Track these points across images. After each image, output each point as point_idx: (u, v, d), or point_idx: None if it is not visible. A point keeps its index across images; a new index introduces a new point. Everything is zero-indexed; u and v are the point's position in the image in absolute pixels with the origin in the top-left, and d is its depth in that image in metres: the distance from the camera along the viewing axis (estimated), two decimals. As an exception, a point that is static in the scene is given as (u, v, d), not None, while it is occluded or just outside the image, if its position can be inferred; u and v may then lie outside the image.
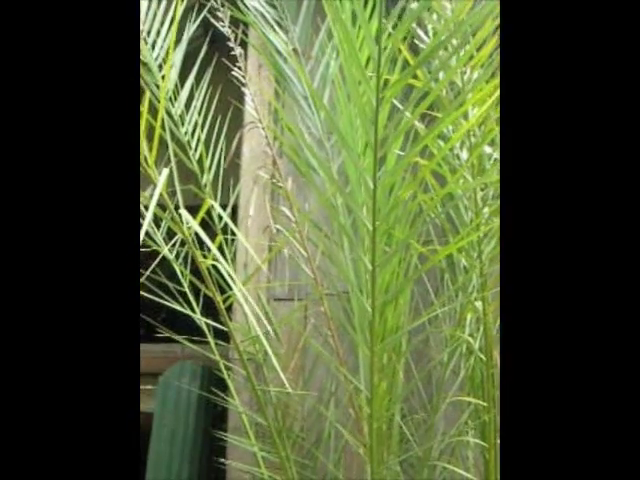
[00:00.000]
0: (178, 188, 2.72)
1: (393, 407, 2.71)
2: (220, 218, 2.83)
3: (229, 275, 2.07)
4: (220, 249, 2.94)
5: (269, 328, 2.28)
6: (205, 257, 2.38)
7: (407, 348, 2.85)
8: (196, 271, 2.71)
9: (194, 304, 3.15)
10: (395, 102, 2.24)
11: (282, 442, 2.87)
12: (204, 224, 2.25)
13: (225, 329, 2.62)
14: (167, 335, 3.35)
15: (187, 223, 2.19)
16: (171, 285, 3.21)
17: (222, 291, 2.52)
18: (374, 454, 2.54)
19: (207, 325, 3.09)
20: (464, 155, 2.62)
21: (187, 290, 3.22)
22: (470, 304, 2.67)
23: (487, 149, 2.71)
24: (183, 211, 2.10)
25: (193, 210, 2.15)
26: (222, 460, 3.23)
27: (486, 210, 2.62)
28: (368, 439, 2.43)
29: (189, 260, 3.01)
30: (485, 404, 2.64)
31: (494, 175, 2.51)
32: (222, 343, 3.15)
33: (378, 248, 2.09)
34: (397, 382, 2.71)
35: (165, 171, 1.95)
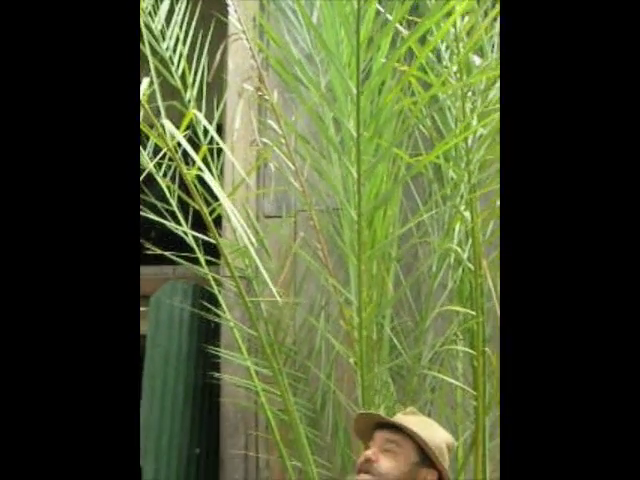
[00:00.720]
0: (161, 104, 2.69)
1: (382, 316, 2.74)
2: (206, 133, 2.80)
3: (215, 187, 2.06)
4: (207, 164, 2.93)
5: (254, 240, 2.26)
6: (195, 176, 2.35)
7: (396, 257, 2.85)
8: (185, 191, 2.71)
9: (183, 222, 3.15)
10: (379, 7, 2.20)
11: (274, 355, 2.90)
12: (190, 143, 2.21)
13: (214, 243, 2.61)
14: (158, 254, 3.36)
15: (171, 135, 2.16)
16: (160, 205, 3.20)
17: (209, 206, 2.51)
18: (364, 363, 2.58)
19: (196, 241, 3.08)
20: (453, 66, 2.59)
21: (175, 209, 3.21)
22: (458, 214, 2.67)
23: (475, 58, 2.68)
24: (166, 121, 2.07)
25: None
26: (216, 375, 3.26)
27: (474, 119, 2.60)
28: (358, 348, 2.46)
29: (177, 178, 2.98)
30: (473, 313, 2.66)
31: (480, 78, 2.48)
32: (213, 259, 3.15)
33: (364, 155, 2.08)
34: (386, 292, 2.73)
35: (145, 80, 1.91)
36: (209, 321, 3.41)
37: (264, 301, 2.92)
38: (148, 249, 3.08)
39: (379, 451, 2.05)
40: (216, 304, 3.23)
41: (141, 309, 3.64)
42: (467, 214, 2.63)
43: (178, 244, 3.24)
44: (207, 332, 3.56)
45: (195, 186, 2.42)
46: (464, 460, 2.93)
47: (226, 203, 1.99)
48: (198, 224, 3.08)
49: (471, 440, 2.88)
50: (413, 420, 2.12)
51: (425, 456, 2.06)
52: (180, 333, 3.60)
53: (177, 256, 3.13)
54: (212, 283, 3.21)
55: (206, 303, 3.26)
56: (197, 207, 2.40)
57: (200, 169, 2.04)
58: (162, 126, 2.21)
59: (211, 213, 2.41)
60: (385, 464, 2.04)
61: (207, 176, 2.04)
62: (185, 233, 3.13)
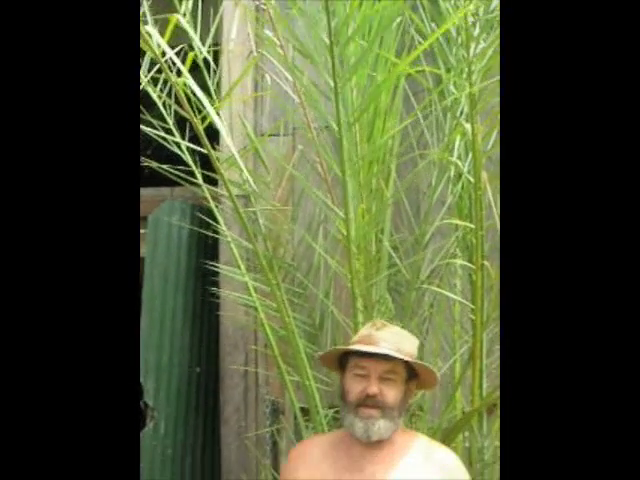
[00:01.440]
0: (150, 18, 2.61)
1: (381, 231, 2.72)
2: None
3: (200, 95, 2.02)
4: (203, 78, 2.88)
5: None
6: (184, 85, 2.30)
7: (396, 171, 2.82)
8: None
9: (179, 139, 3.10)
10: None
11: (273, 271, 2.90)
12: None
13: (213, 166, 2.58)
14: (155, 176, 3.31)
15: (157, 43, 2.10)
16: (157, 123, 3.15)
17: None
18: (354, 275, 2.58)
19: (194, 161, 3.05)
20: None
21: (172, 127, 3.16)
22: (459, 126, 2.63)
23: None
24: (149, 28, 2.00)
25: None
26: (215, 290, 3.26)
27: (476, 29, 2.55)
28: (349, 261, 2.45)
29: (173, 96, 2.93)
30: (472, 226, 2.64)
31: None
32: (209, 173, 3.11)
33: (363, 67, 2.02)
34: (385, 206, 2.71)
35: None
36: (207, 238, 3.40)
37: (262, 214, 2.89)
38: (146, 167, 3.04)
39: (378, 382, 2.09)
40: (214, 222, 3.21)
41: (141, 231, 3.63)
42: (468, 126, 2.59)
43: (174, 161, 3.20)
44: (206, 250, 3.55)
45: (189, 99, 2.38)
46: (461, 375, 2.94)
47: (213, 112, 1.94)
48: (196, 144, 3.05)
49: (469, 355, 2.89)
50: (389, 335, 2.15)
51: (411, 369, 2.15)
52: (179, 251, 3.60)
53: (175, 175, 3.09)
54: (210, 201, 3.19)
55: (205, 218, 3.23)
56: (187, 116, 2.35)
57: (186, 77, 1.98)
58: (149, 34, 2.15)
59: (203, 122, 2.35)
60: (389, 394, 2.10)
61: (194, 85, 2.00)
62: (180, 148, 3.08)
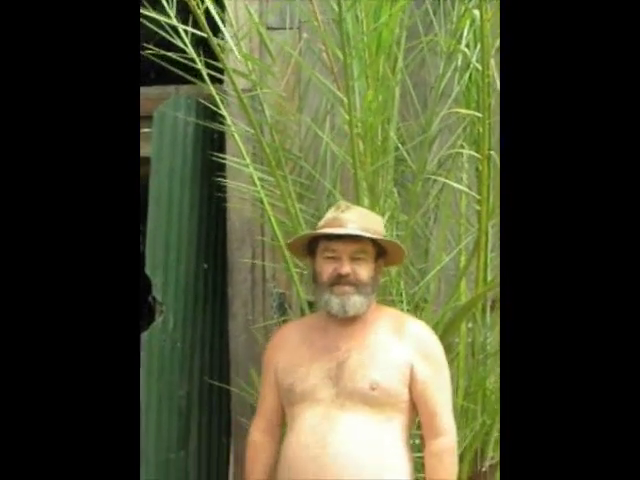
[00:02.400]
0: None
1: (387, 121, 2.70)
2: None
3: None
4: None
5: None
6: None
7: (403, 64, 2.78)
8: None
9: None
10: None
11: (279, 163, 2.89)
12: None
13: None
14: (161, 74, 3.26)
15: None
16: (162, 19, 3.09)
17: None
18: (366, 166, 2.58)
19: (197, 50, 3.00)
20: None
21: (176, 22, 3.10)
22: (468, 13, 2.58)
23: None
24: None
25: None
26: (221, 181, 3.24)
27: None
28: (359, 145, 2.45)
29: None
30: (480, 115, 2.62)
31: None
32: (215, 74, 3.08)
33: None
34: (392, 95, 2.68)
35: None
36: (214, 132, 3.38)
37: (268, 106, 2.87)
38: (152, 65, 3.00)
39: (349, 262, 2.13)
40: (220, 116, 3.19)
41: (146, 130, 3.60)
42: (476, 12, 2.54)
43: (181, 65, 3.16)
44: (212, 144, 3.53)
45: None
46: (466, 266, 2.96)
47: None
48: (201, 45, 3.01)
49: (473, 247, 2.90)
50: (354, 215, 2.20)
51: (379, 247, 2.21)
52: (184, 146, 3.58)
53: (180, 68, 3.06)
54: (215, 96, 3.15)
55: (211, 108, 3.18)
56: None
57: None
58: None
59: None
60: (361, 272, 2.17)
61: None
62: (184, 42, 3.03)
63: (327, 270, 2.16)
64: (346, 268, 2.14)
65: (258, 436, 2.32)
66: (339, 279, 2.15)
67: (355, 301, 2.15)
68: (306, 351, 2.21)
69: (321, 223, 2.23)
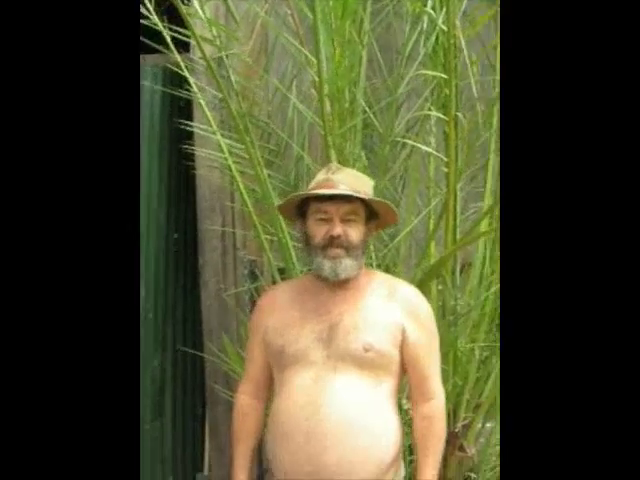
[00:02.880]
0: None
1: (354, 84, 2.70)
2: None
3: None
4: None
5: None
6: None
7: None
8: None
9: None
10: None
11: (247, 130, 2.88)
12: None
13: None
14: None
15: None
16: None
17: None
18: (335, 128, 2.57)
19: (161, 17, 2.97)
20: None
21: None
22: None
23: None
24: None
25: None
26: (189, 148, 3.23)
27: None
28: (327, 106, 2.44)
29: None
30: (446, 77, 2.63)
31: None
32: (181, 39, 3.05)
33: None
34: (359, 57, 2.68)
35: None
36: (180, 100, 3.36)
37: (234, 72, 2.85)
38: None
39: (341, 224, 2.12)
40: (187, 83, 3.16)
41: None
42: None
43: (146, 34, 3.13)
44: (180, 113, 3.50)
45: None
46: (435, 228, 2.98)
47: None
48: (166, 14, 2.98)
49: (442, 207, 2.92)
50: (345, 177, 2.19)
51: (370, 209, 2.20)
52: (151, 114, 3.55)
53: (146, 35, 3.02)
54: (182, 65, 3.13)
55: (179, 73, 3.15)
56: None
57: None
58: None
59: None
60: (352, 234, 2.16)
61: None
62: (149, 10, 2.99)
63: (319, 232, 2.14)
64: (338, 229, 2.12)
65: (246, 400, 2.30)
66: (331, 241, 2.13)
67: (346, 264, 2.14)
68: (297, 313, 2.19)
69: (312, 185, 2.21)
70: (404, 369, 2.21)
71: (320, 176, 2.21)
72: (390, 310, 2.17)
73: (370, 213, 2.21)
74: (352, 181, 2.17)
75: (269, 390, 2.30)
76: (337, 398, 2.09)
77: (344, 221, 2.14)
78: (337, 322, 2.14)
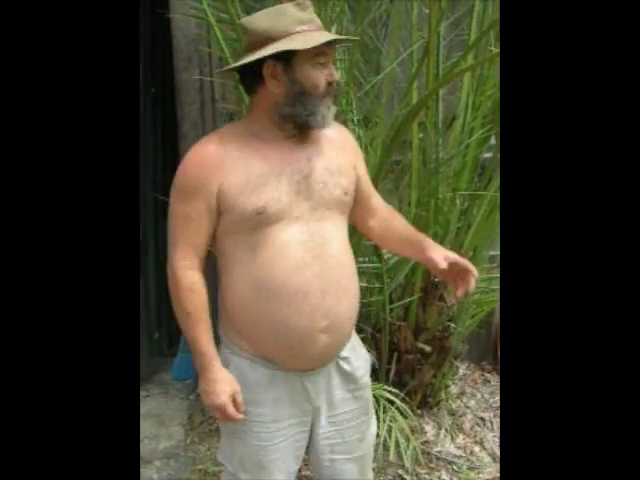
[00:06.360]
0: None
1: None
2: None
3: None
4: None
5: None
6: None
7: None
8: None
9: None
10: None
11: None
12: None
13: None
14: None
15: None
16: None
17: None
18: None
19: None
20: None
21: None
22: None
23: None
24: None
25: None
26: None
27: None
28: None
29: None
30: None
31: None
32: None
33: None
34: None
35: None
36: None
37: None
38: None
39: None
40: None
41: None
42: None
43: None
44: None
45: None
46: (416, 72, 2.90)
47: None
48: None
49: (423, 53, 2.86)
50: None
51: None
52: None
53: None
54: None
55: None
56: None
57: None
58: None
59: None
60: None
61: None
62: None
63: (321, 79, 1.93)
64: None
65: (190, 275, 1.99)
66: (329, 88, 1.95)
67: (332, 112, 1.99)
68: (263, 167, 1.95)
69: (294, 25, 1.91)
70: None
71: (297, 13, 1.95)
72: (342, 150, 2.10)
73: None
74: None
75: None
76: (335, 248, 2.03)
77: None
78: (310, 171, 2.01)
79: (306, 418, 2.12)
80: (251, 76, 1.96)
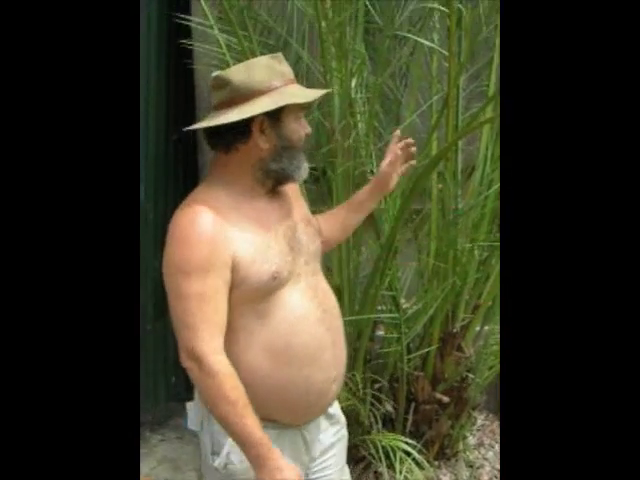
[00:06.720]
0: None
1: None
2: None
3: None
4: None
5: None
6: None
7: None
8: None
9: None
10: None
11: (245, 24, 2.82)
12: None
13: None
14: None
15: None
16: None
17: None
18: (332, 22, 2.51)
19: None
20: None
21: None
22: None
23: None
24: None
25: None
26: (187, 43, 3.17)
27: None
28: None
29: None
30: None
31: None
32: None
33: None
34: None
35: None
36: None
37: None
38: None
39: None
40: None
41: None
42: None
43: None
44: (178, 8, 3.41)
45: None
46: (437, 120, 2.93)
47: None
48: None
49: (443, 103, 2.88)
50: None
51: None
52: (149, 10, 3.46)
53: None
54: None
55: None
56: None
57: None
58: None
59: None
60: None
61: None
62: None
63: (301, 132, 1.92)
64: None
65: (221, 359, 1.81)
66: (304, 140, 1.95)
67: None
68: (261, 230, 1.89)
69: (276, 78, 1.87)
70: None
71: (278, 66, 1.90)
72: (298, 198, 2.11)
73: None
74: None
75: None
76: (332, 298, 2.06)
77: None
78: (294, 226, 1.98)
79: (304, 471, 2.09)
80: (234, 133, 1.87)
